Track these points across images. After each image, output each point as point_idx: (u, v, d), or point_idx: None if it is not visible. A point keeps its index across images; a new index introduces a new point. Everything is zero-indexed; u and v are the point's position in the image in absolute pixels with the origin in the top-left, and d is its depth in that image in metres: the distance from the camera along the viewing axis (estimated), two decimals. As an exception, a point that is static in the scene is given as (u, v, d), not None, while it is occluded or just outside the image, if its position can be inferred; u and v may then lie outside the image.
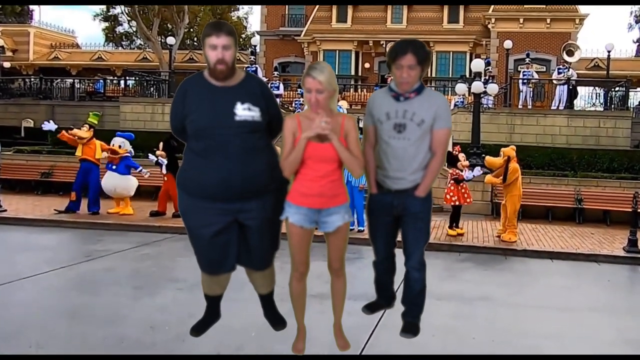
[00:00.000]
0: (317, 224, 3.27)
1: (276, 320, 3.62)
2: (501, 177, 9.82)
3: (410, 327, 3.52)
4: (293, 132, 3.20)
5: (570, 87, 18.77)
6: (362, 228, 9.86)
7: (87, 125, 11.26)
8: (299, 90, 20.77)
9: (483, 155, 10.46)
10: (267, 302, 3.62)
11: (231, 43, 3.08)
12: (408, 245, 3.44)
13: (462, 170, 10.15)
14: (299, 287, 3.41)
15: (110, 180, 11.03)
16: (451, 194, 10.15)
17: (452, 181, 10.22)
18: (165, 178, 10.98)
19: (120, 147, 11.03)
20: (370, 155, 3.38)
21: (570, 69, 19.28)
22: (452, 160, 10.10)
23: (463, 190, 10.18)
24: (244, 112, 3.09)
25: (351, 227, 9.63)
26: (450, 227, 10.22)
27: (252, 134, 3.11)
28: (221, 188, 3.07)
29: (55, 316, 5.33)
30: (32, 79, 25.91)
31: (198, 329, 3.59)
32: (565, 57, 20.40)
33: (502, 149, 10.09)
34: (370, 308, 3.80)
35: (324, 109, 3.19)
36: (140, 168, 11.23)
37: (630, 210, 9.91)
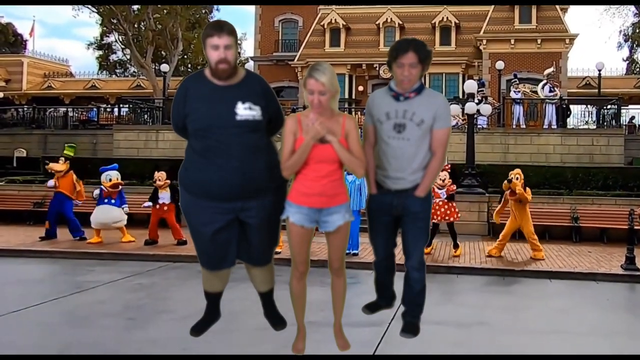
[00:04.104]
0: (317, 223, 3.28)
1: (276, 320, 3.59)
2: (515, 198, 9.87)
3: (410, 327, 3.51)
4: (294, 132, 3.20)
5: (564, 106, 18.86)
6: (356, 251, 9.75)
7: (62, 159, 11.39)
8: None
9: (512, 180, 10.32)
10: (267, 301, 3.59)
11: (232, 42, 3.09)
12: (408, 245, 3.43)
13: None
14: (299, 286, 3.41)
15: (109, 214, 10.82)
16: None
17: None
18: (166, 208, 10.84)
19: (117, 179, 10.95)
20: (370, 155, 3.37)
21: (546, 80, 19.41)
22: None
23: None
24: (244, 111, 3.09)
25: (347, 251, 9.62)
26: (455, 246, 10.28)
27: (253, 134, 3.11)
28: (222, 188, 3.07)
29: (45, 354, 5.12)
30: (25, 109, 25.91)
31: (198, 329, 3.54)
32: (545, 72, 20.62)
33: (515, 172, 10.03)
34: (370, 308, 3.77)
35: (326, 110, 3.20)
36: (126, 206, 11.13)
37: (626, 227, 9.86)
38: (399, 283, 3.61)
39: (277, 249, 3.42)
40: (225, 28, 3.08)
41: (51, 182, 11.47)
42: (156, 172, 10.94)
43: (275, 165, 3.20)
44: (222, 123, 3.06)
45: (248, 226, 3.20)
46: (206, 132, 3.08)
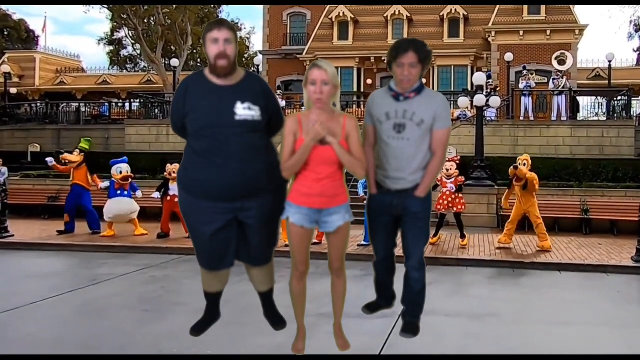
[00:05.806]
0: (317, 223, 3.30)
1: (276, 320, 3.62)
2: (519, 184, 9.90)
3: (410, 326, 3.54)
4: (294, 132, 3.21)
5: (574, 98, 18.72)
6: (365, 243, 9.81)
7: (77, 150, 11.59)
8: (302, 108, 20.84)
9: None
10: (267, 301, 3.61)
11: (232, 38, 3.11)
12: (408, 245, 3.45)
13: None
14: (299, 286, 3.43)
15: (123, 206, 11.05)
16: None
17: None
18: (177, 200, 10.93)
19: (127, 172, 11.16)
20: (370, 156, 3.38)
21: (564, 77, 19.23)
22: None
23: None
24: (244, 111, 3.10)
25: (366, 243, 9.68)
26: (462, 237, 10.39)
27: (252, 134, 3.12)
28: (221, 188, 3.08)
29: (62, 349, 5.15)
30: (38, 104, 26.12)
31: (198, 329, 3.59)
32: (557, 66, 20.42)
33: (523, 158, 10.07)
34: (370, 308, 3.80)
35: (327, 106, 3.21)
36: (138, 190, 11.44)
37: (637, 219, 9.85)
38: (399, 283, 3.65)
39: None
40: (225, 23, 3.12)
41: (50, 159, 11.56)
42: (169, 165, 11.02)
43: (274, 165, 3.21)
44: (221, 123, 3.06)
45: (247, 226, 3.21)
46: (206, 132, 3.08)
